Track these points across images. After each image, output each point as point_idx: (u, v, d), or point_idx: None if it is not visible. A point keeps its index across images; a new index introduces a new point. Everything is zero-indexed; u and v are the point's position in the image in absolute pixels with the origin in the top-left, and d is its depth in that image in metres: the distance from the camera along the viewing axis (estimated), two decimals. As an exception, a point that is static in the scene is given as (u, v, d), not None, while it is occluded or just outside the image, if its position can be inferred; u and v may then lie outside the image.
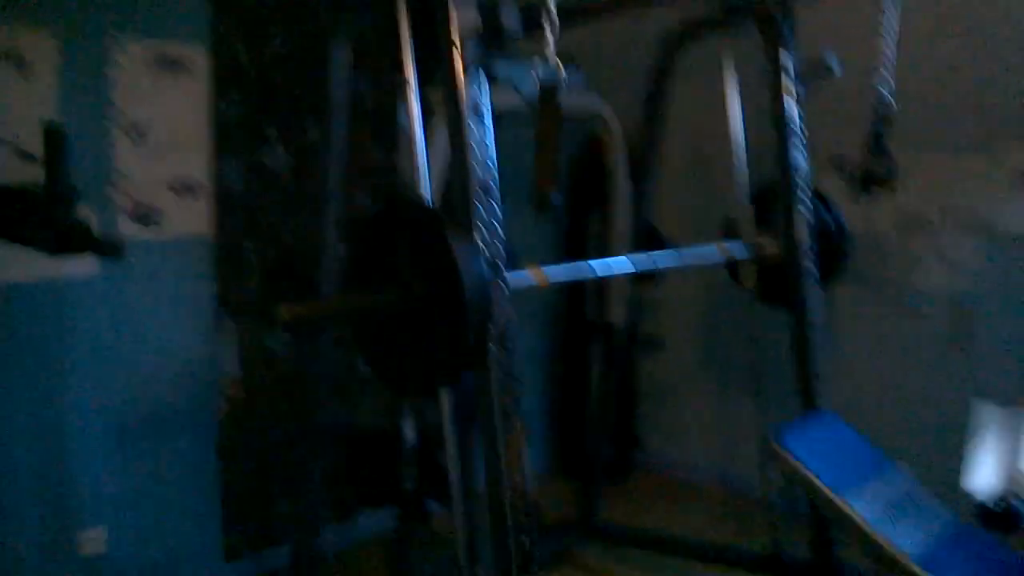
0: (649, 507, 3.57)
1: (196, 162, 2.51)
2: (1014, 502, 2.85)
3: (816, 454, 1.74)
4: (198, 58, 2.45)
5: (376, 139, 2.86)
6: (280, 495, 2.89)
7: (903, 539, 1.59)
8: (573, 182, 3.30)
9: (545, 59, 1.41)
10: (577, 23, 1.74)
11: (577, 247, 3.26)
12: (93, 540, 2.40)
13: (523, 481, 1.62)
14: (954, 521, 1.76)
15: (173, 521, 2.63)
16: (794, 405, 2.54)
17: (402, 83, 1.66)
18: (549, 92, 1.39)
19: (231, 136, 2.56)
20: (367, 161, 2.84)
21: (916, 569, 1.52)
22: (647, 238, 2.81)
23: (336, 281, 1.88)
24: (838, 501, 1.62)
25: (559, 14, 1.41)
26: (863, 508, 1.63)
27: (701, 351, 3.80)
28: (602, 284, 2.64)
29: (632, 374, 3.74)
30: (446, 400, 1.75)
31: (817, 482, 1.64)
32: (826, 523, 2.52)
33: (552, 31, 1.41)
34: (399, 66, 1.67)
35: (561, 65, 1.41)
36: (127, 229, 2.38)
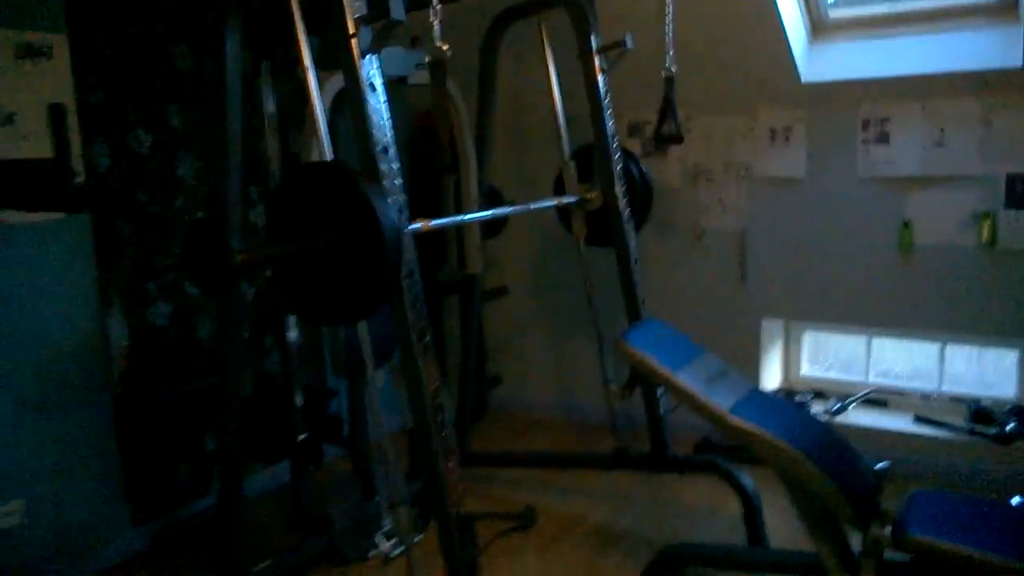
0: (504, 440, 4.03)
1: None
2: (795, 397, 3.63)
3: (651, 346, 2.24)
4: (60, 46, 2.53)
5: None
6: (178, 458, 3.04)
7: (721, 399, 2.13)
8: (422, 150, 3.63)
9: (431, 41, 1.76)
10: (421, 7, 2.09)
11: (433, 208, 3.60)
12: (7, 514, 2.46)
13: (441, 403, 1.98)
14: (756, 387, 2.34)
15: (84, 490, 2.76)
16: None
17: (300, 67, 1.93)
18: (439, 69, 1.75)
19: (96, 120, 2.67)
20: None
21: (733, 418, 2.06)
22: (490, 198, 3.23)
23: (247, 240, 2.11)
24: (673, 376, 2.13)
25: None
26: (689, 380, 2.15)
27: (540, 296, 4.29)
28: (461, 239, 3.02)
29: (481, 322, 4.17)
30: (364, 330, 2.06)
31: (656, 363, 2.15)
32: (658, 422, 3.09)
33: (437, 21, 1.76)
34: (295, 52, 1.94)
35: (443, 46, 1.77)
36: (8, 213, 2.46)
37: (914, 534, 1.89)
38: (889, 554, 2.01)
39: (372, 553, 2.88)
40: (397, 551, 2.88)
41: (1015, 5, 2.90)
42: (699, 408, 2.12)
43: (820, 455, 2.00)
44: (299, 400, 2.96)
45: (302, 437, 2.98)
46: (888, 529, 1.95)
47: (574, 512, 3.19)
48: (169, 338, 3.00)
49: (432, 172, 3.27)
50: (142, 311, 2.91)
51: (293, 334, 2.94)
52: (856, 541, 2.06)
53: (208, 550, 3.00)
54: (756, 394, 2.27)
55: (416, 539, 2.27)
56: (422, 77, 2.62)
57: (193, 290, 3.04)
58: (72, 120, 2.59)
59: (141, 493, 2.96)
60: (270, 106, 2.78)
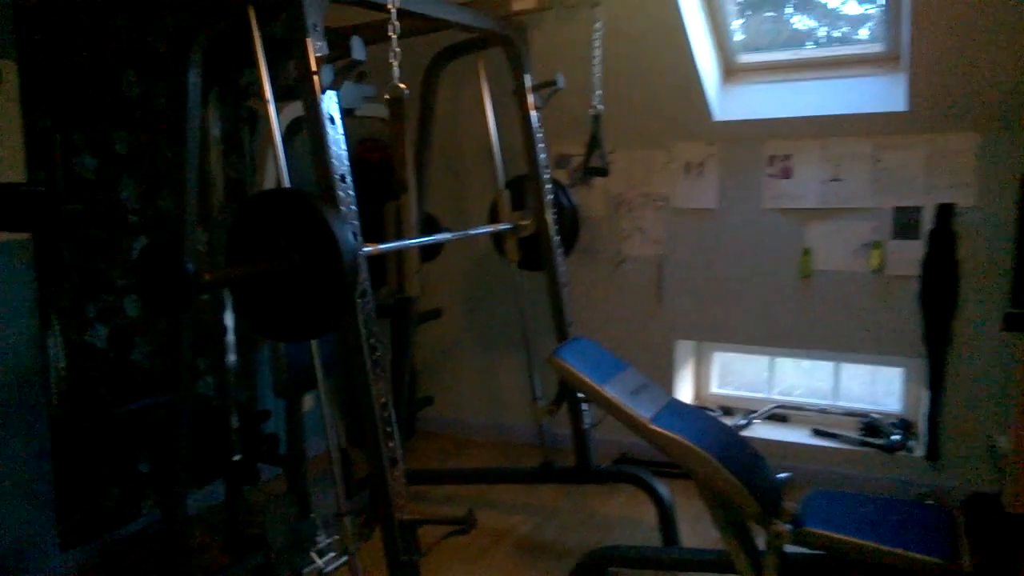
0: (435, 459, 4.16)
1: (14, 171, 2.64)
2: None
3: (581, 361, 2.44)
4: (9, 72, 2.58)
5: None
6: (111, 480, 3.05)
7: (643, 410, 2.34)
8: (362, 178, 3.76)
9: (391, 80, 1.93)
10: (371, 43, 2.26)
11: (375, 234, 3.71)
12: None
13: (389, 415, 2.12)
14: (672, 399, 2.57)
15: (14, 514, 2.73)
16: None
17: (261, 97, 2.06)
18: (396, 104, 1.91)
19: (42, 144, 2.71)
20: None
21: (654, 427, 2.28)
22: (427, 224, 3.39)
23: (203, 263, 2.20)
24: (600, 388, 2.34)
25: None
26: (614, 392, 2.36)
27: (472, 318, 4.46)
28: (399, 263, 3.16)
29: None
30: (316, 349, 2.19)
31: (585, 377, 2.35)
32: (582, 436, 3.29)
33: (396, 62, 1.93)
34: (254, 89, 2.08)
35: (403, 85, 1.94)
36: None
37: (810, 527, 2.13)
38: (790, 549, 2.25)
39: (307, 569, 2.98)
40: (332, 566, 2.99)
41: (900, 59, 3.27)
42: (624, 417, 2.32)
43: (729, 459, 2.23)
44: (234, 421, 3.03)
45: (237, 457, 3.05)
46: (788, 525, 2.19)
47: (503, 525, 3.35)
48: (107, 359, 3.02)
49: (372, 199, 3.40)
50: (81, 333, 2.93)
51: (231, 357, 3.02)
52: (761, 541, 2.30)
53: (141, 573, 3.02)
54: (674, 404, 2.49)
55: (355, 547, 2.39)
56: (368, 109, 2.80)
57: (132, 312, 3.09)
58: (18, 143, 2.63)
59: (72, 516, 2.94)
60: (216, 132, 2.88)
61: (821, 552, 2.20)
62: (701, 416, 2.57)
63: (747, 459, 2.37)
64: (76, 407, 2.92)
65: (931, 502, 3.13)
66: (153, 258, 2.10)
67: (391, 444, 2.10)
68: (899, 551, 2.03)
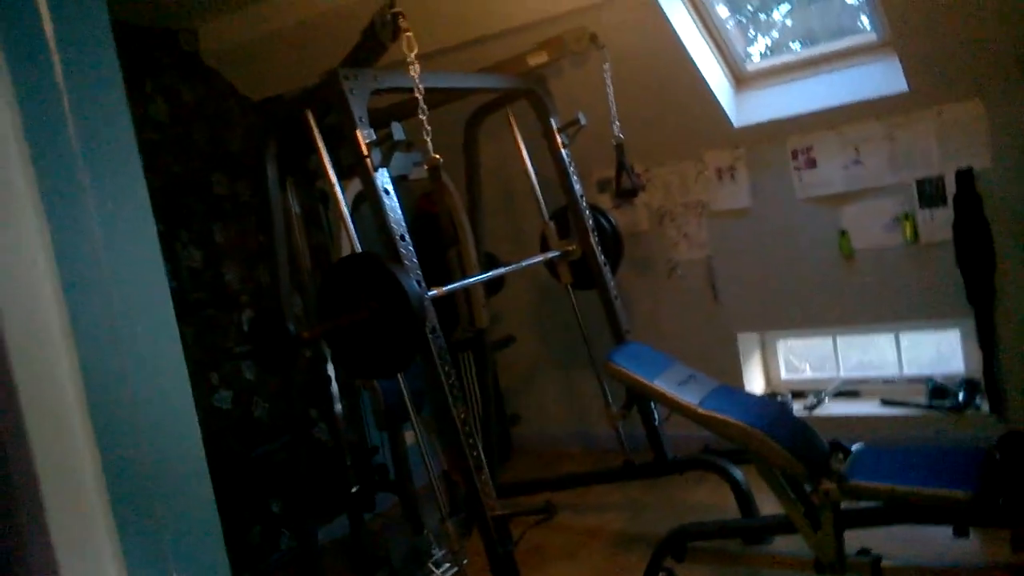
0: (530, 473, 4.51)
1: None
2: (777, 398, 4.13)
3: (631, 362, 2.78)
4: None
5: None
6: (251, 522, 3.55)
7: (691, 397, 2.65)
8: (425, 230, 4.23)
9: (427, 152, 2.35)
10: (410, 116, 2.68)
11: (442, 277, 4.16)
12: None
13: (469, 429, 2.50)
14: (722, 385, 2.86)
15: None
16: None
17: (326, 180, 2.52)
18: (435, 172, 2.33)
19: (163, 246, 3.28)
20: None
21: (701, 409, 2.58)
22: (488, 261, 3.80)
23: (301, 324, 2.66)
24: (650, 383, 2.67)
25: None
26: (663, 384, 2.68)
27: (544, 340, 4.83)
28: (469, 299, 3.58)
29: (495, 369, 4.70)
30: (404, 384, 2.60)
31: (636, 375, 2.68)
32: (655, 432, 3.59)
33: (427, 135, 2.35)
34: (321, 172, 2.54)
35: (437, 156, 2.35)
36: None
37: (852, 481, 2.39)
38: (848, 505, 2.50)
39: (427, 578, 3.38)
40: (449, 573, 3.38)
41: (892, 43, 3.50)
42: (674, 405, 2.64)
43: (776, 430, 2.51)
44: (349, 460, 3.48)
45: (355, 489, 3.49)
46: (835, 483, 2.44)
47: (596, 523, 3.68)
48: (232, 418, 3.54)
49: (436, 247, 3.85)
50: (208, 397, 3.46)
51: (338, 404, 3.48)
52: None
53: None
54: (722, 389, 2.79)
55: (461, 546, 2.76)
56: (418, 173, 3.24)
57: (249, 376, 3.60)
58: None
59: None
60: (296, 210, 3.37)
61: (872, 504, 2.44)
62: (748, 396, 2.86)
63: (793, 429, 2.63)
64: (212, 460, 3.42)
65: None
66: (261, 326, 2.58)
67: (475, 453, 2.48)
68: (930, 490, 2.27)
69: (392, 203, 2.43)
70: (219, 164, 3.59)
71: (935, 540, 2.85)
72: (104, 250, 0.85)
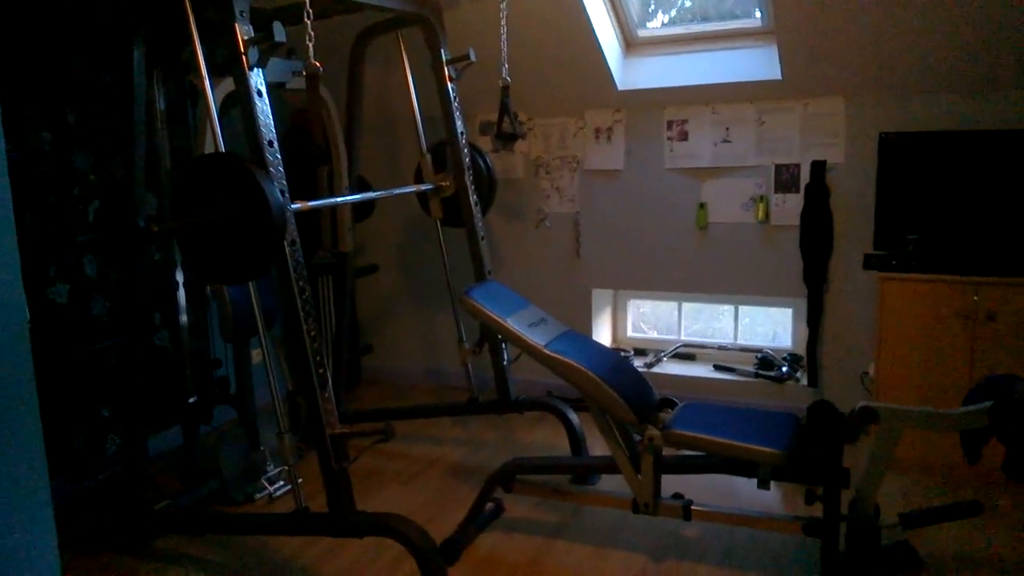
0: (376, 401, 4.56)
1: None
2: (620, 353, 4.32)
3: (487, 300, 2.84)
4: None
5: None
6: (76, 427, 3.39)
7: (539, 338, 2.75)
8: (298, 144, 4.09)
9: (307, 57, 2.28)
10: (296, 23, 2.59)
11: (309, 194, 4.05)
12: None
13: (318, 346, 2.48)
14: (570, 330, 2.98)
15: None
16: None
17: (198, 74, 2.40)
18: (313, 80, 2.26)
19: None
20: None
21: (546, 351, 2.69)
22: (359, 185, 3.75)
23: (153, 216, 2.53)
24: (502, 320, 2.75)
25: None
26: (515, 323, 2.77)
27: (406, 273, 4.83)
28: (335, 221, 3.51)
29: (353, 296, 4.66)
30: (256, 297, 2.55)
31: (489, 312, 2.75)
32: (502, 372, 3.70)
33: (310, 40, 2.28)
34: (193, 65, 2.41)
35: (317, 63, 2.28)
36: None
37: (674, 429, 2.57)
38: (669, 454, 2.69)
39: (259, 495, 3.36)
40: (281, 492, 3.38)
41: (774, 32, 3.68)
42: (522, 344, 2.73)
43: (612, 377, 2.65)
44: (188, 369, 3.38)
45: (192, 400, 3.40)
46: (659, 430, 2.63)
47: (436, 454, 3.77)
48: (68, 314, 3.33)
49: (307, 163, 3.75)
50: (42, 290, 3.24)
51: (184, 317, 3.35)
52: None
53: (111, 503, 3.36)
54: (569, 334, 2.91)
55: (294, 460, 2.74)
56: (297, 83, 3.13)
57: (90, 272, 3.40)
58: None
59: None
60: (160, 105, 3.19)
61: (693, 452, 2.64)
62: (592, 344, 2.99)
63: (628, 378, 2.79)
64: (40, 355, 3.23)
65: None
66: (108, 215, 2.44)
67: (321, 371, 2.48)
68: (744, 444, 2.48)
69: (264, 106, 2.35)
70: (81, 43, 3.32)
71: (741, 491, 3.15)
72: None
